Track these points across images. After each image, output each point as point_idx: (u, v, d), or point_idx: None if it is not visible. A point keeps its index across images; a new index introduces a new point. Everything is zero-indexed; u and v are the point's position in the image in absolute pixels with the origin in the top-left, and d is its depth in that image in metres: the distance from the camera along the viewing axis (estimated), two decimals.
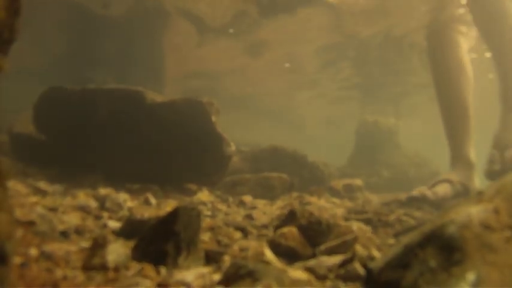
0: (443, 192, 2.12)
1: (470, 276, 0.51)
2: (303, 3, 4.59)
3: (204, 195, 2.08)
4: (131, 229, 1.06)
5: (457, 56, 2.55)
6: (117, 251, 0.76)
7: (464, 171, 2.35)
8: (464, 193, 2.22)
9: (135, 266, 0.75)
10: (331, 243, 0.98)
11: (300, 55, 6.44)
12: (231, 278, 0.71)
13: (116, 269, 0.73)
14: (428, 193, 2.05)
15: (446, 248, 0.56)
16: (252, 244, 1.04)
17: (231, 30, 5.37)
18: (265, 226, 1.31)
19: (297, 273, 0.81)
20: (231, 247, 1.01)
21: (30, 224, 0.99)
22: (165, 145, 2.23)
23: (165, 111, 2.21)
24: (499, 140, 2.34)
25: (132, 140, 2.23)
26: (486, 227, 0.57)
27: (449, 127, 2.53)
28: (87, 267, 0.72)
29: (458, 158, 2.43)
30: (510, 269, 0.52)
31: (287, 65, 6.82)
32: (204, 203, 1.83)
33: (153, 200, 1.65)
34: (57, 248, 0.82)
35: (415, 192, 2.07)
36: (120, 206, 1.42)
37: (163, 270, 0.75)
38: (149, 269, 0.74)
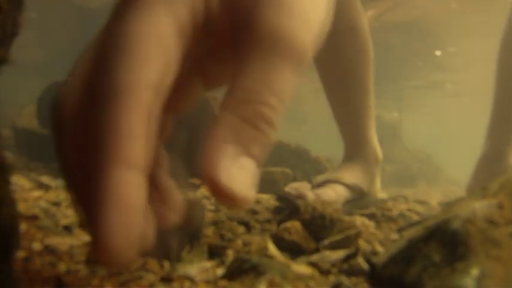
0: (330, 196, 1.53)
1: (474, 271, 0.51)
2: None
3: (207, 190, 2.08)
4: None
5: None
6: None
7: (363, 168, 1.74)
8: (358, 198, 1.68)
9: (138, 260, 0.75)
10: (335, 238, 0.98)
11: None
12: (234, 272, 0.71)
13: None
14: (310, 195, 1.46)
15: (450, 242, 0.56)
16: (255, 238, 1.04)
17: None
18: (268, 221, 1.31)
19: (300, 267, 0.81)
20: (234, 241, 1.01)
21: (34, 218, 0.99)
22: (168, 139, 2.22)
23: None
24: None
25: None
26: (490, 221, 0.57)
27: (342, 107, 1.83)
28: (90, 262, 0.72)
29: (357, 149, 1.78)
30: None
31: None
32: (207, 197, 1.84)
33: None
34: (60, 242, 0.82)
35: (290, 189, 1.52)
36: None
37: (166, 264, 0.75)
38: (152, 263, 0.74)
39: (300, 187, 1.56)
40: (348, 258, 0.85)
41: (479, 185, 1.90)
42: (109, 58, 0.31)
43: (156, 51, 0.32)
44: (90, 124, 0.30)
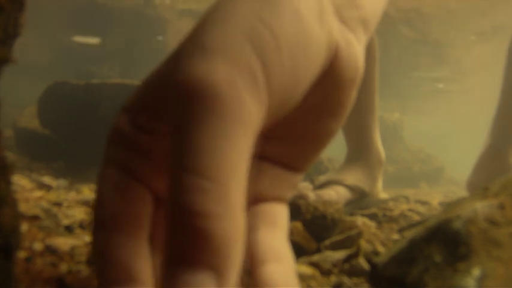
0: (331, 197, 1.52)
1: (476, 271, 0.51)
2: None
3: None
4: None
5: None
6: None
7: (365, 170, 1.73)
8: (359, 199, 1.67)
9: None
10: (336, 238, 0.98)
11: None
12: None
13: None
14: (311, 195, 1.43)
15: (451, 243, 0.55)
16: None
17: None
18: None
19: (301, 268, 0.81)
20: None
21: (35, 218, 0.99)
22: None
23: None
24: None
25: None
26: (492, 222, 0.56)
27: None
28: (91, 262, 0.72)
29: (360, 151, 1.77)
30: None
31: None
32: None
33: None
34: (61, 242, 0.82)
35: None
36: None
37: None
38: None
39: (301, 187, 1.53)
40: (349, 259, 0.85)
41: (480, 181, 1.90)
42: None
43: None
44: None
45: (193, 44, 0.28)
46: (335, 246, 0.95)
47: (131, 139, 0.33)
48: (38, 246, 0.78)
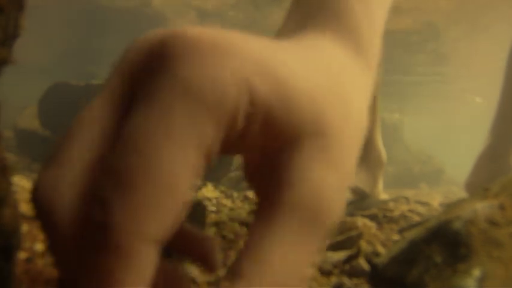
0: None
1: (476, 272, 0.51)
2: None
3: (208, 191, 2.08)
4: None
5: None
6: None
7: (366, 171, 1.74)
8: (359, 200, 1.69)
9: None
10: (336, 239, 0.98)
11: None
12: None
13: None
14: None
15: (451, 243, 0.55)
16: None
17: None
18: None
19: None
20: (236, 242, 1.00)
21: (35, 219, 0.99)
22: None
23: None
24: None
25: None
26: (492, 222, 0.56)
27: None
28: None
29: (362, 151, 1.76)
30: None
31: None
32: (208, 199, 1.83)
33: None
34: None
35: None
36: None
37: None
38: None
39: None
40: (349, 259, 0.85)
41: (479, 182, 1.89)
42: None
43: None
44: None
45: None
46: (335, 247, 0.95)
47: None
48: (38, 247, 0.78)
